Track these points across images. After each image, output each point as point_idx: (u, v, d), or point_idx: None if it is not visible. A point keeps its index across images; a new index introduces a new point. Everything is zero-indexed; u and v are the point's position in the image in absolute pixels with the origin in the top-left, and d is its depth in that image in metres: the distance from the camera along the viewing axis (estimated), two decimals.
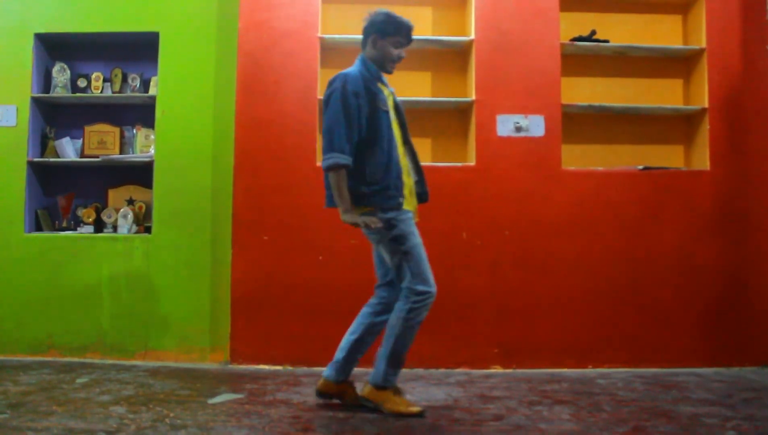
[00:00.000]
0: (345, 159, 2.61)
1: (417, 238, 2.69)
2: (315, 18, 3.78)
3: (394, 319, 2.67)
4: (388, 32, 2.73)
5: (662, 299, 3.74)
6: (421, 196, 2.88)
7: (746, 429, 2.53)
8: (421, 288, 2.64)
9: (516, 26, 3.80)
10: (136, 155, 3.96)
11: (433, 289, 2.67)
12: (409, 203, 2.75)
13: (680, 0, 4.05)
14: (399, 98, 2.91)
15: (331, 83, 2.71)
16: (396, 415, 2.63)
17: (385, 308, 2.79)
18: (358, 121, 2.64)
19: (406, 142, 2.85)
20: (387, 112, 2.73)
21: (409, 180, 2.80)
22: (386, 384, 2.68)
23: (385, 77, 2.86)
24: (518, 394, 3.09)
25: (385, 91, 2.80)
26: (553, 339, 3.69)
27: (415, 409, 2.65)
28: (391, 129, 2.72)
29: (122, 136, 4.05)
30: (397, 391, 2.72)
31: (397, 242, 2.66)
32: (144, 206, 3.99)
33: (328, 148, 2.62)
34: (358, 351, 2.80)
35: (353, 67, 2.77)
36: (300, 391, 3.06)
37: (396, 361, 2.67)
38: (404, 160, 2.79)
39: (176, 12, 3.90)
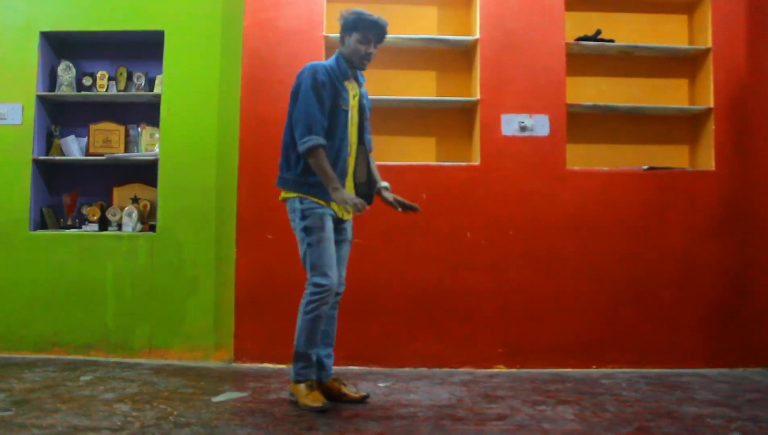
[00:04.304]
0: (322, 140, 2.67)
1: (326, 234, 2.71)
2: (320, 17, 3.78)
3: (298, 314, 2.74)
4: (354, 28, 2.77)
5: (666, 299, 3.73)
6: (366, 199, 2.86)
7: (751, 430, 2.52)
8: (318, 280, 2.69)
9: (521, 26, 3.80)
10: (141, 154, 3.97)
11: (331, 283, 2.69)
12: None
13: None
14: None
15: (300, 74, 2.76)
16: (303, 408, 2.68)
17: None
18: (326, 109, 2.71)
19: (361, 144, 2.88)
20: (346, 111, 2.77)
21: (349, 181, 2.84)
22: (299, 378, 2.74)
23: (365, 76, 2.94)
24: (522, 393, 3.08)
25: (352, 91, 2.83)
26: (557, 339, 3.68)
27: (315, 404, 2.67)
28: (346, 129, 2.78)
29: (127, 135, 4.06)
30: (313, 386, 2.73)
31: (305, 233, 2.72)
32: (148, 204, 4.00)
33: (306, 131, 2.66)
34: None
35: (326, 61, 2.83)
36: None
37: (300, 356, 2.73)
38: (350, 161, 2.83)
39: (181, 11, 3.90)
